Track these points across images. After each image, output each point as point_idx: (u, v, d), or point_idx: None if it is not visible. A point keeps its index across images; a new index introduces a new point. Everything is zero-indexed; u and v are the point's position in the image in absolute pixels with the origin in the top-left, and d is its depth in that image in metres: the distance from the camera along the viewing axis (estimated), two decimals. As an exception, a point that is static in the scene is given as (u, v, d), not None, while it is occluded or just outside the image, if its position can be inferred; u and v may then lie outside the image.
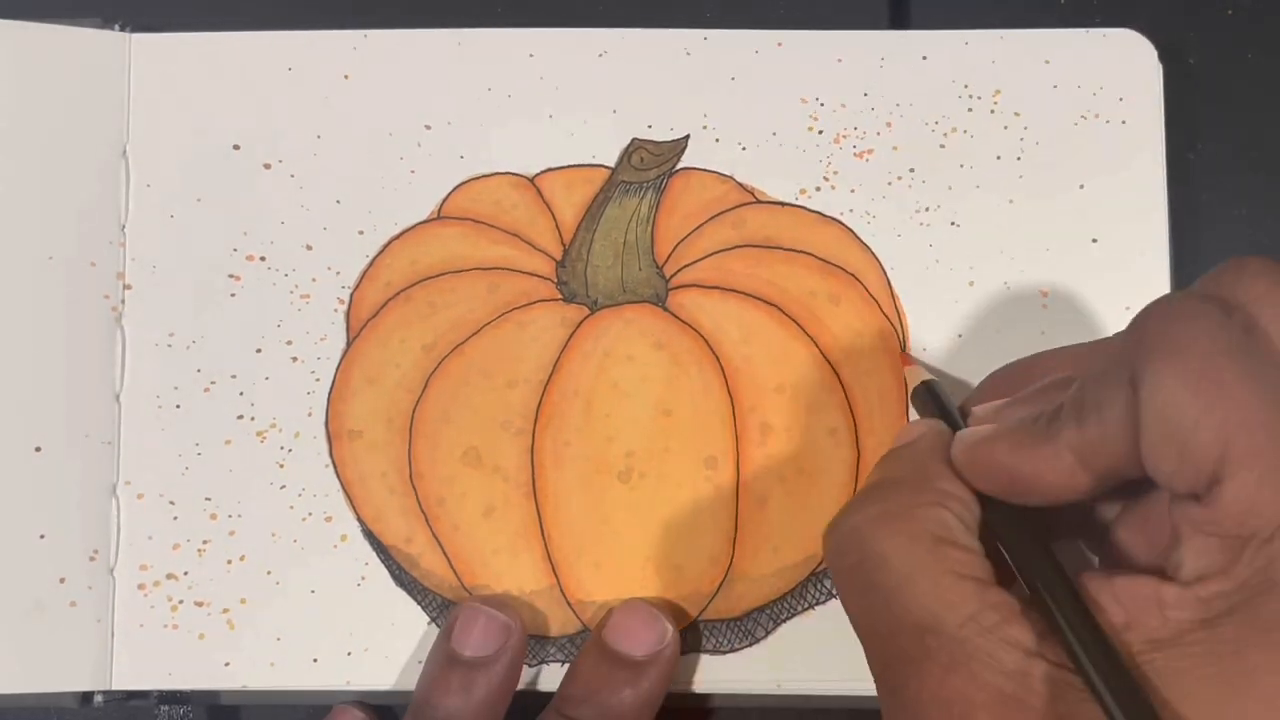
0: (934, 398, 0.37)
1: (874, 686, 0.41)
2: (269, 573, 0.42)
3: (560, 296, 0.44)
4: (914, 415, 0.39)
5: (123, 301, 0.43)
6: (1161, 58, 0.44)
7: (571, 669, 0.40)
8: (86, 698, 0.41)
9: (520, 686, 0.41)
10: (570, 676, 0.40)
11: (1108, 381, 0.26)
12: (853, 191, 0.44)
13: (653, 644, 0.40)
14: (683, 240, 0.44)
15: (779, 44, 0.45)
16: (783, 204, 0.44)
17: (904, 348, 0.43)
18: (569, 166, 0.44)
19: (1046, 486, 0.28)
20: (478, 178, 0.44)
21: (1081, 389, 0.27)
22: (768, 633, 0.42)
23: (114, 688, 0.41)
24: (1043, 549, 0.28)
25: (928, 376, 0.39)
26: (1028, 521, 0.29)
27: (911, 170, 0.44)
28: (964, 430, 0.31)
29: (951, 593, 0.26)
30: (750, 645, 0.42)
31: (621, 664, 0.40)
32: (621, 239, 0.44)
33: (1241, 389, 0.24)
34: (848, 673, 0.41)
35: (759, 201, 0.44)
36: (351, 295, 0.43)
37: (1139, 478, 0.27)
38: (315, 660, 0.42)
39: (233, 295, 0.43)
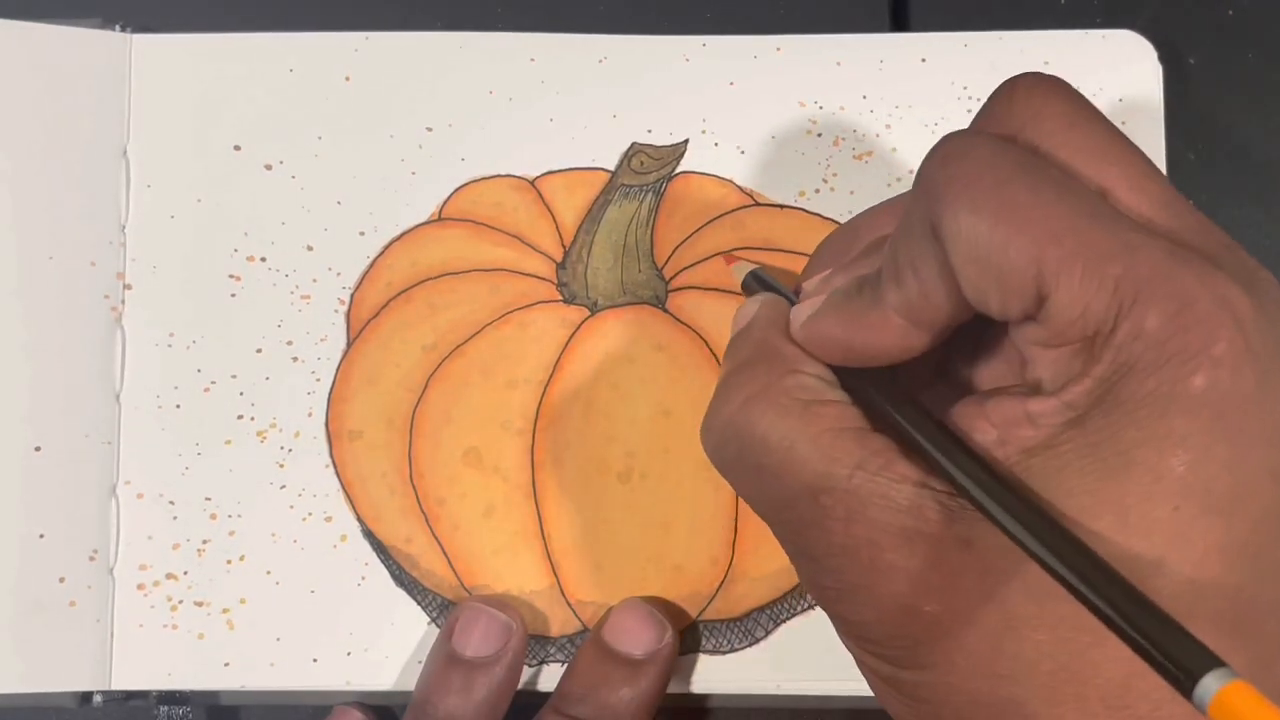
0: (762, 282, 0.37)
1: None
2: (269, 573, 0.42)
3: (560, 298, 0.44)
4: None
5: (123, 301, 0.43)
6: (1161, 58, 0.44)
7: (570, 667, 0.40)
8: (86, 698, 0.41)
9: (520, 686, 0.41)
10: (568, 675, 0.40)
11: (912, 236, 0.26)
12: (852, 193, 0.44)
13: (651, 643, 0.40)
14: (682, 243, 0.44)
15: (778, 48, 0.45)
16: (782, 206, 0.44)
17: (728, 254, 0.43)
18: (569, 169, 0.45)
19: (882, 350, 0.28)
20: (479, 180, 0.44)
21: (893, 250, 0.27)
22: (768, 633, 0.42)
23: (113, 688, 0.41)
24: (898, 393, 0.28)
25: (753, 266, 0.39)
26: (879, 374, 0.29)
27: (911, 172, 0.44)
28: (795, 307, 0.31)
29: (833, 449, 0.27)
30: (750, 645, 0.42)
31: (620, 663, 0.40)
32: (621, 241, 0.44)
33: (1036, 204, 0.24)
34: (848, 673, 0.41)
35: (758, 204, 0.44)
36: (352, 296, 0.43)
37: (970, 318, 0.27)
38: (315, 660, 0.42)
39: (233, 295, 0.43)
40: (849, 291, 0.29)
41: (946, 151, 0.26)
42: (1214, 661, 0.20)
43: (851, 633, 0.28)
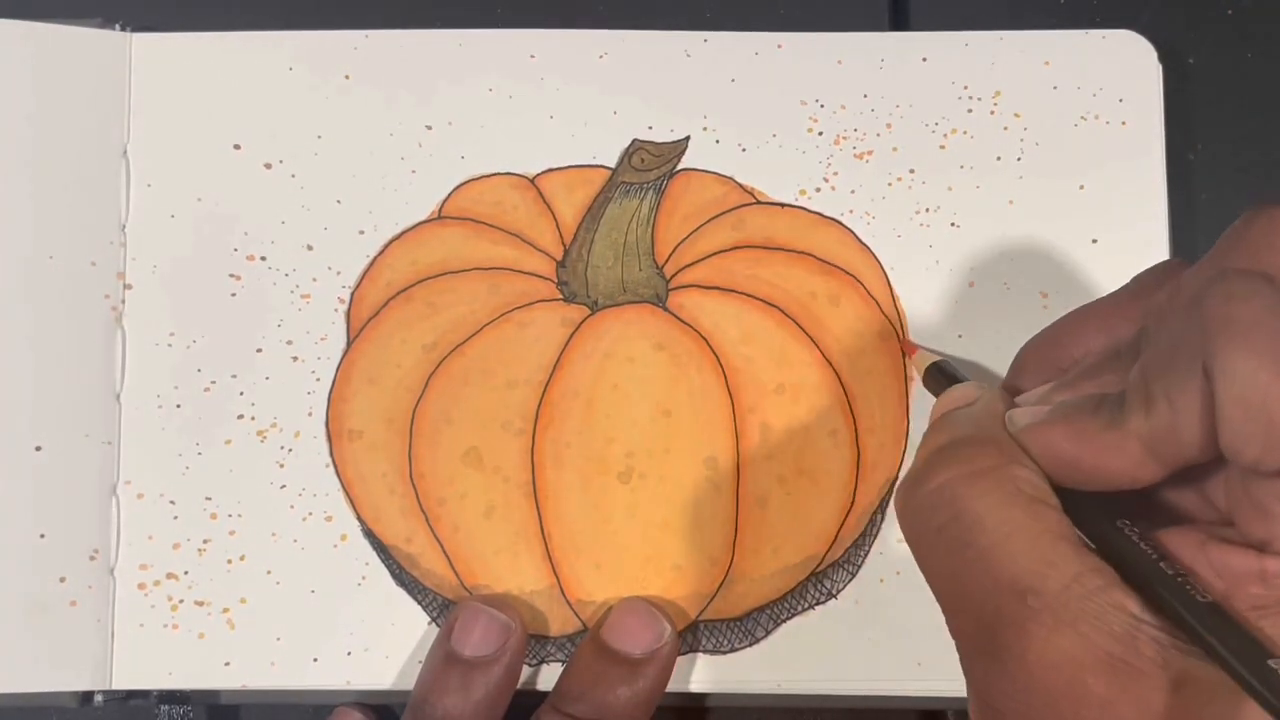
0: (949, 377, 0.37)
1: (874, 686, 0.41)
2: (269, 572, 0.42)
3: (561, 297, 0.44)
4: (925, 406, 0.39)
5: (123, 301, 0.43)
6: (1161, 58, 0.44)
7: (568, 666, 0.40)
8: (86, 697, 0.41)
9: (520, 685, 0.41)
10: (567, 673, 0.40)
11: (1176, 368, 0.26)
12: (853, 192, 0.44)
13: (650, 643, 0.40)
14: (683, 241, 0.44)
15: (779, 46, 0.45)
16: (783, 205, 0.44)
17: (902, 337, 0.43)
18: (570, 167, 0.44)
19: (1110, 476, 0.27)
20: (478, 178, 0.44)
21: (1145, 376, 0.26)
22: (768, 633, 0.42)
23: (114, 687, 0.41)
24: (1117, 522, 0.27)
25: (937, 358, 0.39)
26: (1099, 499, 0.28)
27: (912, 171, 0.44)
28: (1015, 410, 0.30)
29: (1052, 552, 0.26)
30: (750, 645, 0.42)
31: (618, 662, 0.40)
32: (622, 240, 0.44)
33: None
34: (847, 673, 0.42)
35: (759, 202, 0.44)
36: (352, 295, 0.43)
37: (1207, 461, 0.26)
38: (315, 660, 0.42)
39: (233, 295, 0.43)
40: (1083, 407, 0.28)
41: (1227, 290, 0.25)
42: None
43: None
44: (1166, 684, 0.24)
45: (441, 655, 0.40)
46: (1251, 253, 0.27)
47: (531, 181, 0.44)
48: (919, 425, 0.42)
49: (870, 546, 0.42)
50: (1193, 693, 0.24)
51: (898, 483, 0.29)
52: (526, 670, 0.42)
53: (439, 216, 0.44)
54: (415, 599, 0.42)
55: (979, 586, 0.26)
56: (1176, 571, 0.26)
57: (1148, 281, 0.31)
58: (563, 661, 0.42)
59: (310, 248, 0.44)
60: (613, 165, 0.44)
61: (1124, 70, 0.44)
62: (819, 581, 0.42)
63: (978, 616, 0.27)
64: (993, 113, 0.44)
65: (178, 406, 0.43)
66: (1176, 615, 0.25)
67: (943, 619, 0.41)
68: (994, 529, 0.26)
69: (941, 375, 0.38)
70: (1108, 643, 0.25)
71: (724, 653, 0.42)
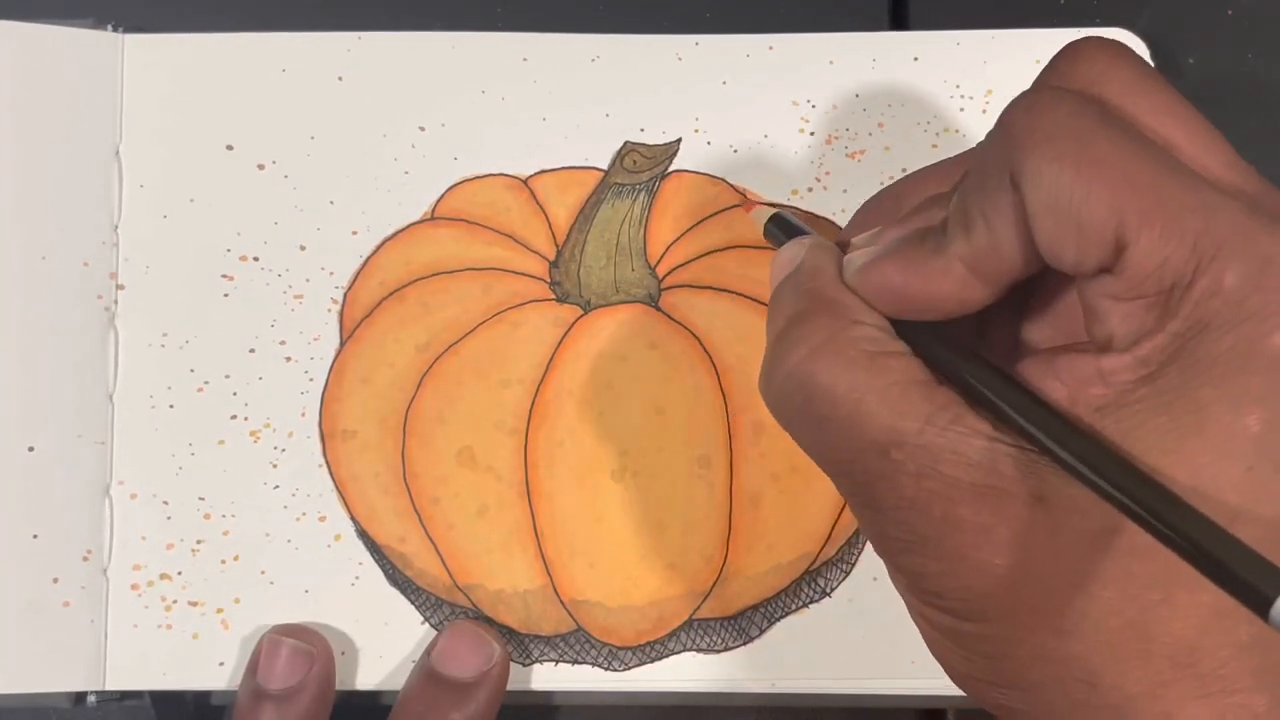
0: (786, 226, 0.36)
1: (869, 685, 0.41)
2: (263, 572, 0.42)
3: (553, 297, 0.44)
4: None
5: (116, 302, 0.43)
6: (1161, 58, 0.44)
7: (401, 695, 0.40)
8: (80, 698, 0.41)
9: (513, 687, 0.41)
10: (399, 704, 0.40)
11: (987, 186, 0.26)
12: (845, 192, 0.44)
13: (479, 666, 0.40)
14: (675, 241, 0.44)
15: (770, 47, 0.45)
16: (774, 204, 0.44)
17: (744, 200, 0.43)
18: (562, 169, 0.45)
19: (941, 301, 0.28)
20: (471, 179, 0.44)
21: (963, 199, 0.27)
22: (762, 632, 0.42)
23: (107, 688, 0.41)
24: (963, 347, 0.28)
25: (774, 210, 0.38)
26: (939, 328, 0.29)
27: (904, 170, 0.44)
28: (849, 255, 0.30)
29: (902, 402, 0.26)
30: (744, 644, 0.42)
31: (449, 687, 0.40)
32: (614, 240, 0.44)
33: (1119, 157, 0.25)
34: (842, 671, 0.42)
35: (751, 202, 0.44)
36: (345, 295, 0.43)
37: (1032, 274, 0.27)
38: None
39: (226, 295, 0.43)
40: (910, 239, 0.29)
41: (1031, 102, 0.26)
42: None
43: (914, 585, 0.28)
44: (1030, 497, 0.25)
45: (250, 691, 0.40)
46: (1058, 78, 0.27)
47: (524, 183, 0.44)
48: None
49: (864, 544, 0.42)
50: (1054, 503, 0.25)
51: (762, 372, 0.30)
52: (521, 672, 0.42)
53: (432, 217, 0.44)
54: (409, 599, 0.42)
55: (846, 453, 0.27)
56: (1016, 385, 0.26)
57: None
58: (557, 662, 0.42)
59: (303, 248, 0.44)
60: (605, 167, 0.45)
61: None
62: (813, 580, 0.42)
63: (852, 479, 0.28)
64: (985, 111, 0.45)
65: (171, 407, 0.43)
66: (1020, 429, 0.25)
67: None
68: (844, 396, 0.27)
69: (779, 230, 0.37)
70: (969, 473, 0.25)
71: (717, 652, 0.42)
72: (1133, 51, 0.28)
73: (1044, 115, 0.25)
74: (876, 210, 0.33)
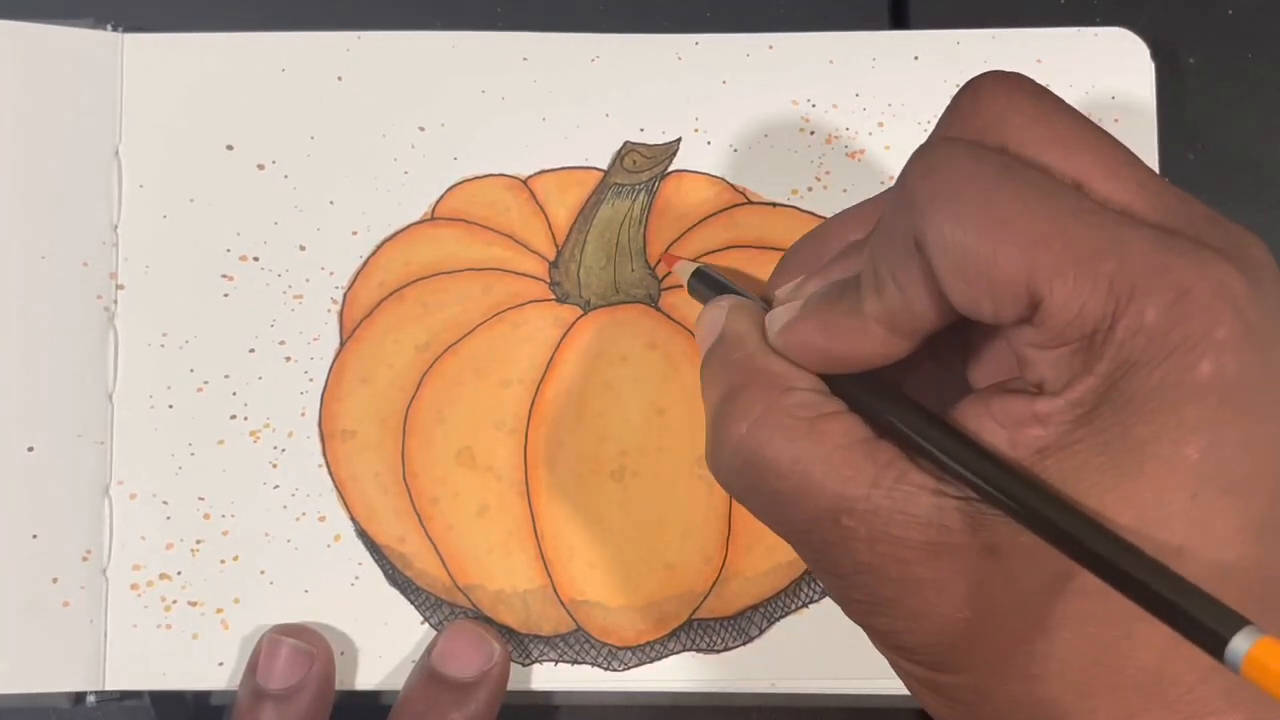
0: (709, 281, 0.36)
1: (868, 685, 0.41)
2: (262, 572, 0.42)
3: (553, 297, 0.44)
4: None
5: (115, 301, 0.43)
6: (1161, 58, 0.44)
7: (402, 695, 0.40)
8: (79, 698, 0.41)
9: (513, 687, 0.41)
10: (399, 704, 0.40)
11: (894, 249, 0.26)
12: (845, 191, 0.44)
13: (479, 665, 0.40)
14: (675, 241, 0.44)
15: (770, 46, 0.45)
16: (775, 204, 0.44)
17: (665, 252, 0.43)
18: (562, 169, 0.45)
19: (865, 359, 0.28)
20: (471, 179, 0.44)
21: (872, 260, 0.27)
22: (761, 631, 0.42)
23: (107, 688, 0.41)
24: (897, 397, 0.28)
25: (695, 265, 0.38)
26: (872, 378, 0.29)
27: (904, 170, 0.44)
28: (771, 313, 0.31)
29: (845, 467, 0.26)
30: (744, 644, 0.42)
31: (449, 687, 0.40)
32: (614, 240, 0.44)
33: (1022, 210, 0.24)
34: (842, 671, 0.42)
35: (750, 202, 0.44)
36: (345, 295, 0.43)
37: (952, 322, 0.27)
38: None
39: (226, 295, 0.43)
40: (827, 296, 0.29)
41: (926, 163, 0.26)
42: (1241, 622, 0.21)
43: (885, 641, 0.28)
44: (981, 549, 0.25)
45: (250, 690, 0.40)
46: (960, 120, 0.27)
47: (524, 183, 0.44)
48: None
49: (864, 545, 0.42)
50: (1005, 552, 0.25)
51: (707, 446, 0.30)
52: (521, 672, 0.42)
53: (432, 217, 0.44)
54: (409, 599, 0.42)
55: (801, 523, 0.27)
56: (955, 433, 0.26)
57: None
58: (556, 662, 0.42)
59: (303, 248, 0.44)
60: (605, 167, 0.44)
61: (1116, 67, 0.44)
62: (813, 580, 0.42)
63: (810, 547, 0.28)
64: (984, 112, 0.44)
65: (170, 407, 0.43)
66: (962, 479, 0.26)
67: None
68: (790, 469, 0.27)
69: (703, 284, 0.37)
70: (919, 532, 0.26)
71: (717, 651, 0.42)
72: (1033, 83, 0.27)
73: (942, 176, 0.25)
74: (800, 255, 0.33)
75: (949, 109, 0.28)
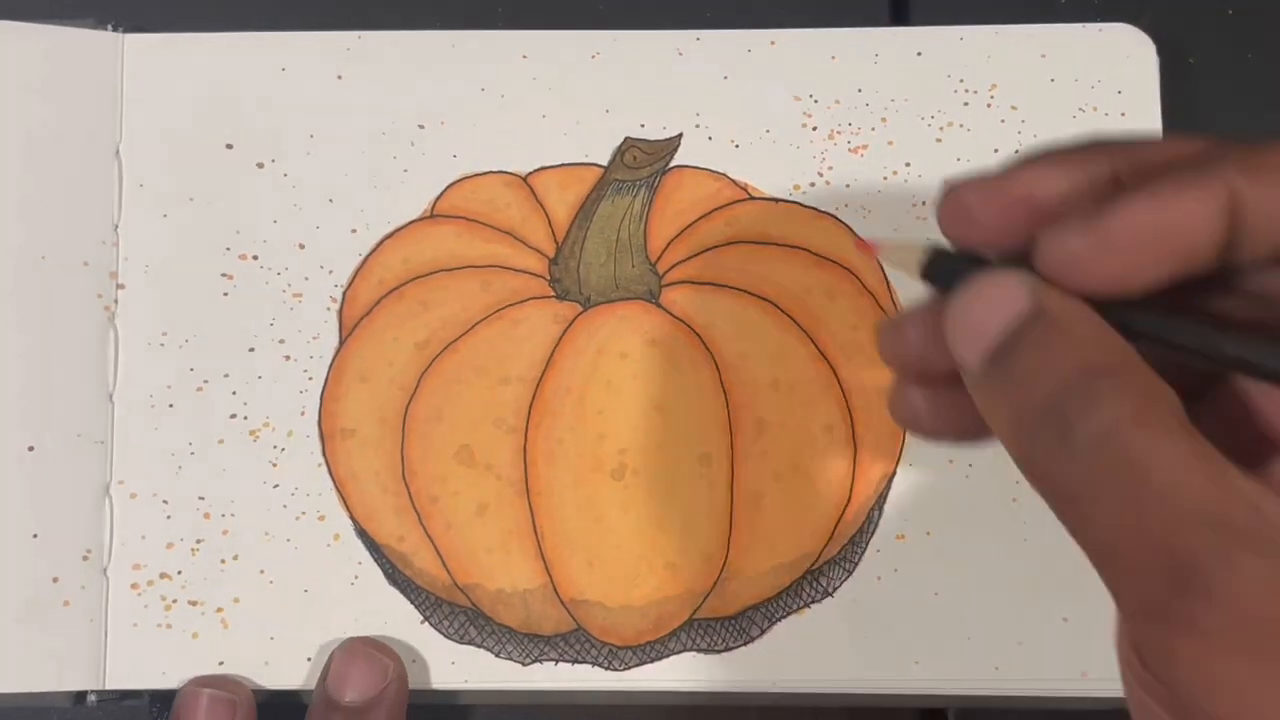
0: (960, 260, 0.27)
1: (868, 685, 0.41)
2: (262, 572, 0.42)
3: (553, 294, 0.43)
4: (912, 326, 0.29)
5: (115, 301, 0.43)
6: (1163, 58, 0.44)
7: None
8: (80, 697, 0.41)
9: (514, 686, 0.41)
10: None
11: None
12: (847, 186, 0.44)
13: (374, 686, 0.40)
14: (676, 237, 0.44)
15: (772, 42, 0.45)
16: (776, 200, 0.44)
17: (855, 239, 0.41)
18: (562, 165, 0.44)
19: (1188, 236, 0.24)
20: (471, 176, 0.44)
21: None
22: (762, 631, 0.42)
23: (107, 687, 0.41)
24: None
25: (925, 244, 0.27)
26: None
27: (908, 164, 0.44)
28: (1056, 228, 0.25)
29: (1225, 480, 0.24)
30: (745, 644, 0.42)
31: (346, 714, 0.40)
32: (614, 237, 0.44)
33: None
34: (842, 671, 0.41)
35: (752, 198, 0.44)
36: (344, 294, 0.43)
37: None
38: (309, 659, 0.41)
39: (225, 294, 0.43)
40: (1156, 178, 0.24)
41: None
42: None
43: (1202, 703, 0.24)
44: None
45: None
46: None
47: (524, 180, 0.44)
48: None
49: (867, 544, 0.42)
50: None
51: (1027, 438, 0.25)
52: (521, 670, 0.41)
53: (431, 215, 0.44)
54: (408, 598, 0.42)
55: (1163, 525, 0.24)
56: None
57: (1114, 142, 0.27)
58: (556, 661, 0.42)
59: (302, 246, 0.43)
60: (605, 163, 0.44)
61: (1121, 63, 0.44)
62: (815, 579, 0.42)
63: (1166, 558, 0.24)
64: (989, 105, 0.44)
65: (170, 406, 0.43)
66: None
67: (939, 618, 0.41)
68: (1169, 465, 0.24)
69: (946, 267, 0.27)
70: None
71: (718, 651, 0.41)
72: None
73: None
74: (985, 202, 0.27)
75: None
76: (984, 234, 0.26)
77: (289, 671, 0.41)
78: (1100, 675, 0.40)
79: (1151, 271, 0.24)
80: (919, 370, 0.28)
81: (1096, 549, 0.25)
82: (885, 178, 0.44)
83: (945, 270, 0.27)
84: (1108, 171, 0.25)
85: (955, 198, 0.26)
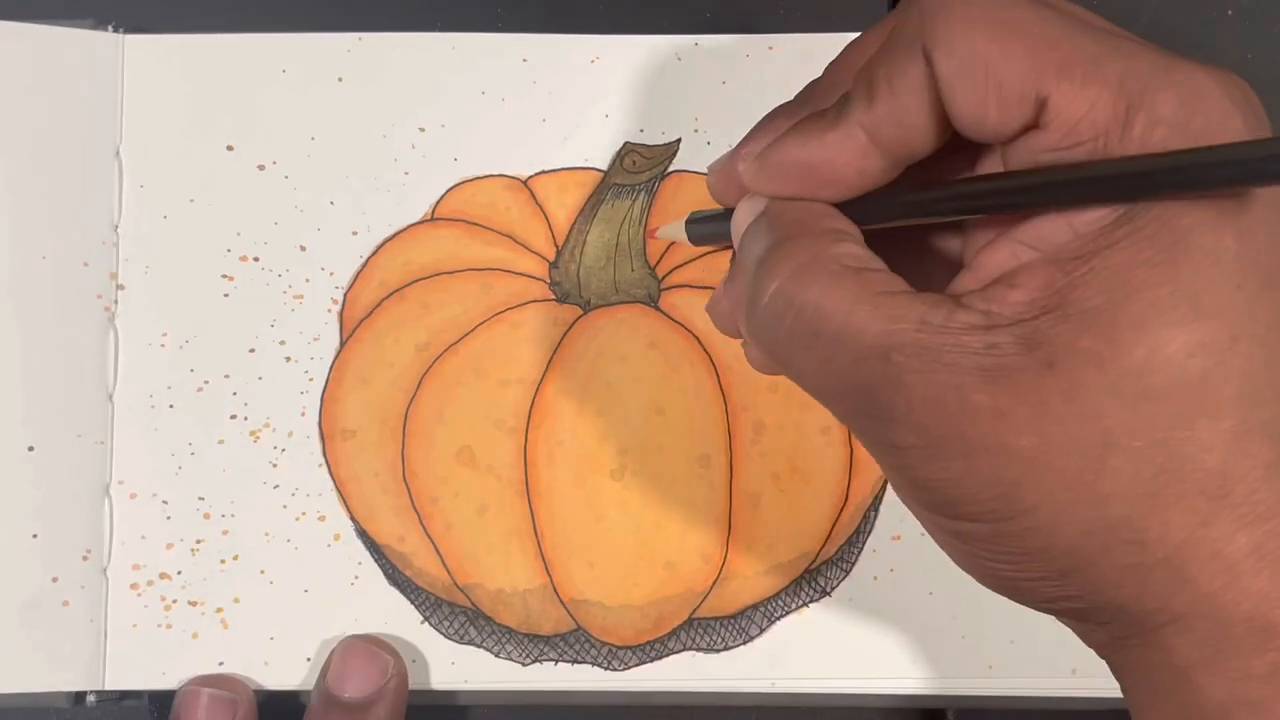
0: (708, 216, 0.36)
1: (868, 685, 0.41)
2: (262, 572, 0.42)
3: (553, 297, 0.44)
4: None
5: (116, 302, 0.43)
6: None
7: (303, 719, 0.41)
8: (79, 697, 0.41)
9: (514, 686, 0.41)
10: None
11: (895, 56, 0.26)
12: (844, 192, 0.44)
13: (376, 682, 0.40)
14: (675, 241, 0.44)
15: (770, 48, 0.45)
16: None
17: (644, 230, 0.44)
18: (562, 169, 0.45)
19: (841, 172, 0.28)
20: (471, 180, 0.44)
21: (868, 69, 0.27)
22: (761, 631, 0.42)
23: (107, 687, 0.41)
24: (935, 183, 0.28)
25: (688, 216, 0.37)
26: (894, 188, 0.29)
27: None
28: (751, 140, 0.30)
29: (892, 307, 0.26)
30: (744, 644, 0.42)
31: (347, 710, 0.40)
32: (614, 240, 0.44)
33: (1031, 19, 0.25)
34: (842, 671, 0.42)
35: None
36: (345, 295, 0.43)
37: (936, 148, 0.27)
38: (309, 660, 0.42)
39: (226, 295, 0.43)
40: (812, 115, 0.29)
41: None
42: None
43: (941, 499, 0.27)
44: (1039, 366, 0.25)
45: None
46: None
47: (524, 183, 0.44)
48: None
49: (864, 544, 0.42)
50: (1065, 364, 0.24)
51: (744, 314, 0.29)
52: (521, 671, 0.42)
53: (432, 218, 0.44)
54: (408, 599, 0.42)
55: (843, 365, 0.27)
56: (1013, 174, 0.26)
57: None
58: (556, 661, 0.42)
59: (303, 248, 0.44)
60: (605, 168, 0.45)
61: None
62: (812, 579, 0.42)
63: (854, 392, 0.27)
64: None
65: (170, 407, 0.43)
66: (1028, 198, 0.26)
67: (941, 618, 0.41)
68: (834, 309, 0.27)
69: (704, 224, 0.36)
70: (975, 359, 0.25)
71: (717, 651, 0.42)
72: None
73: None
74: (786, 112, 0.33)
75: None
76: (736, 193, 0.32)
77: (289, 671, 0.42)
78: (1088, 672, 0.41)
79: (813, 189, 0.29)
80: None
81: (814, 396, 0.28)
82: (882, 183, 0.44)
83: (707, 229, 0.36)
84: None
85: (710, 175, 0.33)
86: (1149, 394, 0.24)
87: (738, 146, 0.31)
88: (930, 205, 0.28)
